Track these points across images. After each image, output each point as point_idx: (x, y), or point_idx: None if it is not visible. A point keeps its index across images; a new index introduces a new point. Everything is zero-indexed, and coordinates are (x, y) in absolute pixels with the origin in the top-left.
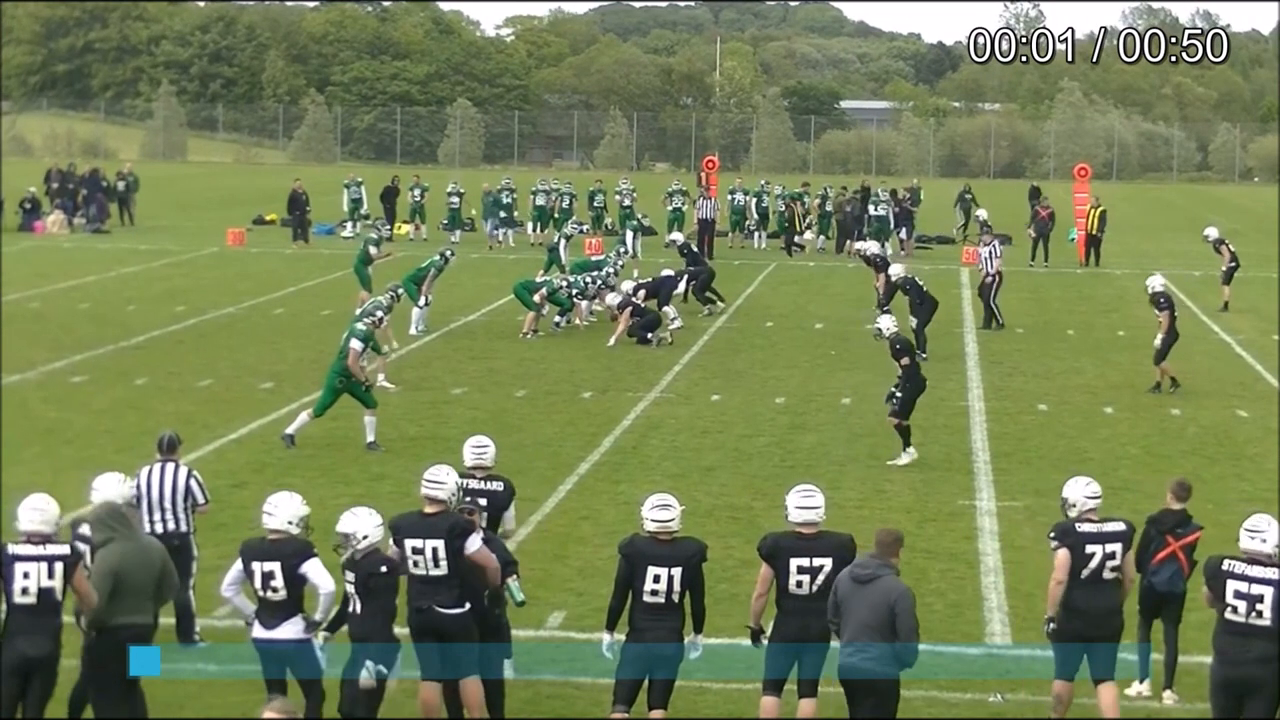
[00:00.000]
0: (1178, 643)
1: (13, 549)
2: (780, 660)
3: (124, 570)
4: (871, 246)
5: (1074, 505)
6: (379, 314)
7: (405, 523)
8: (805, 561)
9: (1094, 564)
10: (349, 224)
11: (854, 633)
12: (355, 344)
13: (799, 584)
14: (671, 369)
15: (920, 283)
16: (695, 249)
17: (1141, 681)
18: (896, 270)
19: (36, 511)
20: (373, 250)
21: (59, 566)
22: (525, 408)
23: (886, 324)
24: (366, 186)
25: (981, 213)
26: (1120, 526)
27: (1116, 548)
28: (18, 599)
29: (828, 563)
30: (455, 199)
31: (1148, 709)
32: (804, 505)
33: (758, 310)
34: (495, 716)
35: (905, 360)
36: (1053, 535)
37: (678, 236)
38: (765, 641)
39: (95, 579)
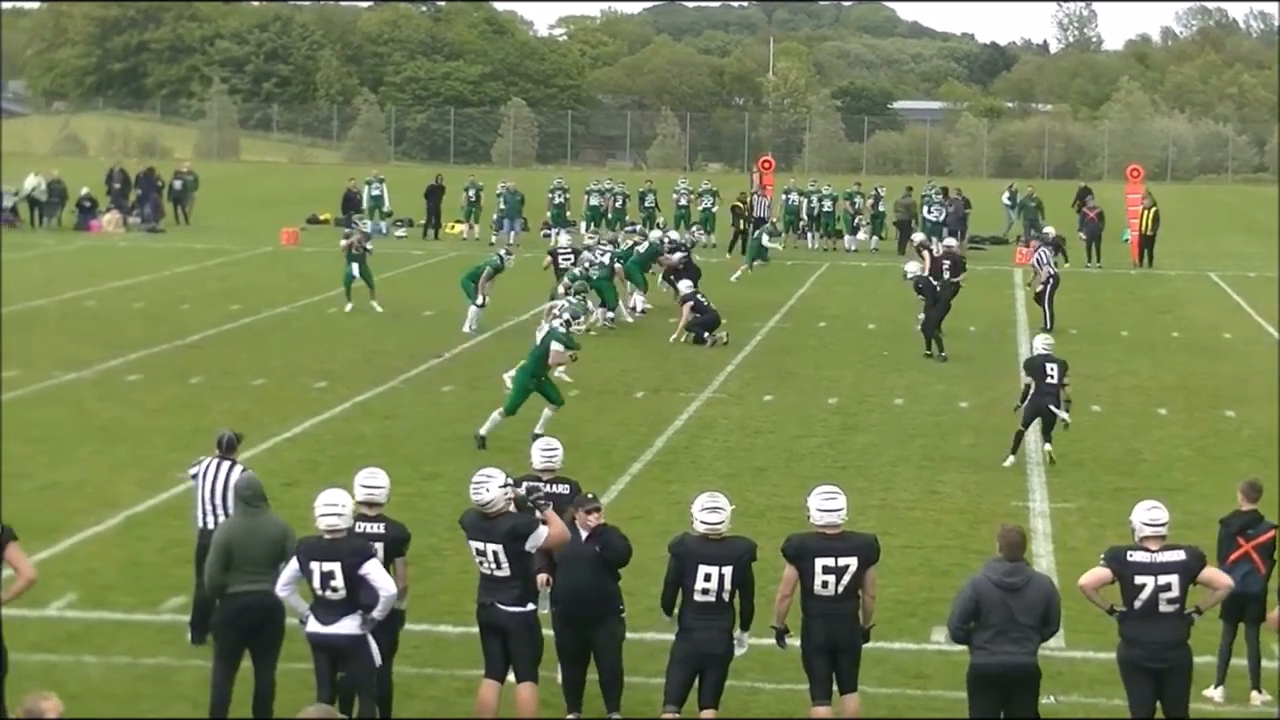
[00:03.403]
0: (1259, 644)
1: None
2: (819, 665)
3: (232, 543)
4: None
5: (1134, 530)
6: (566, 315)
7: (469, 522)
8: (830, 561)
9: (1145, 595)
10: (383, 223)
11: (1011, 631)
12: (556, 346)
13: (824, 584)
14: (724, 369)
15: (935, 283)
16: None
17: (1217, 686)
18: (912, 269)
19: None
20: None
21: None
22: (578, 407)
23: (1042, 343)
24: (388, 184)
25: (1050, 229)
26: (1178, 557)
27: (1171, 579)
28: None
29: (853, 562)
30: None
31: (1233, 712)
32: (826, 508)
33: (810, 311)
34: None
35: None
36: (1103, 558)
37: (681, 236)
38: (788, 643)
39: (210, 552)
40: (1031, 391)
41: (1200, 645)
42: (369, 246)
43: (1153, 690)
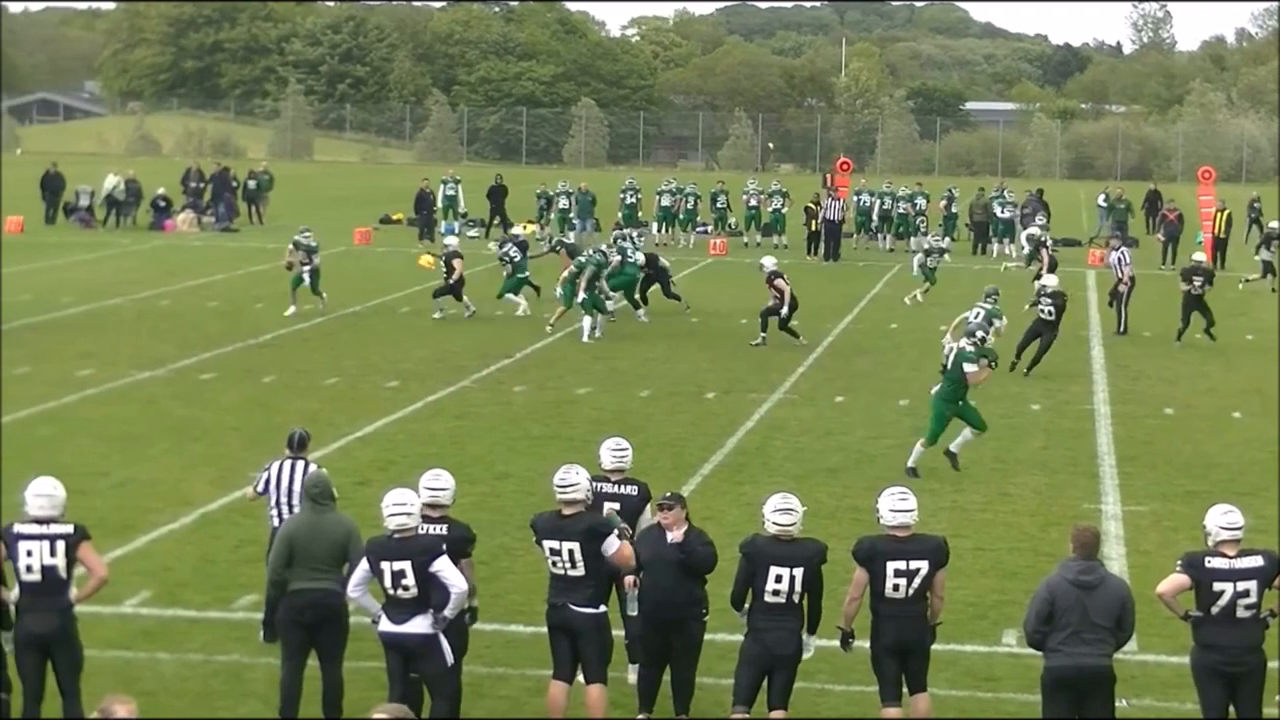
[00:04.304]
0: None
1: (17, 528)
2: (889, 666)
3: (295, 539)
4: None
5: (1209, 534)
6: (980, 334)
7: (543, 523)
8: (902, 565)
9: (1224, 601)
10: (456, 223)
11: (1085, 633)
12: (969, 367)
13: (896, 587)
14: (795, 370)
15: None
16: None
17: None
18: (1051, 281)
19: (44, 498)
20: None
21: (61, 545)
22: (649, 408)
23: None
24: (464, 185)
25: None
26: (1256, 563)
27: (1250, 585)
28: (24, 577)
29: (924, 565)
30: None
31: None
32: (898, 509)
33: (882, 312)
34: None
35: None
36: (1180, 565)
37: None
38: (854, 645)
39: (274, 545)
40: None
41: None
42: (309, 263)
43: (1226, 695)
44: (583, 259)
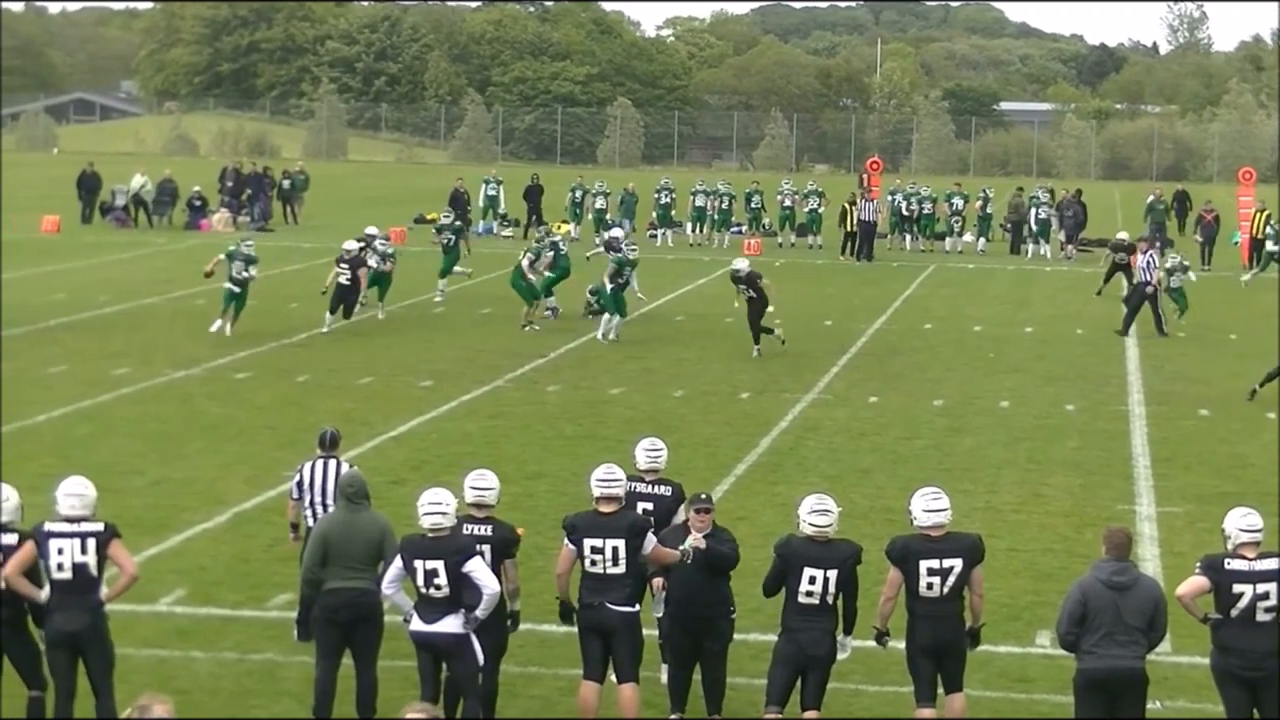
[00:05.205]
0: None
1: (48, 526)
2: (924, 666)
3: (330, 538)
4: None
5: (1229, 537)
6: None
7: (583, 522)
8: (935, 563)
9: (1243, 604)
10: (495, 223)
11: (1119, 634)
12: None
13: (930, 586)
14: (829, 370)
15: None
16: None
17: None
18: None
19: (75, 497)
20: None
21: (91, 542)
22: (683, 408)
23: None
24: (505, 186)
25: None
26: (1276, 565)
27: (1269, 587)
28: (55, 575)
29: (958, 564)
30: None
31: None
32: (932, 509)
33: (916, 312)
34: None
35: None
36: (1199, 567)
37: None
38: (889, 644)
39: (308, 543)
40: None
41: None
42: (247, 274)
43: (1248, 699)
44: (538, 248)
